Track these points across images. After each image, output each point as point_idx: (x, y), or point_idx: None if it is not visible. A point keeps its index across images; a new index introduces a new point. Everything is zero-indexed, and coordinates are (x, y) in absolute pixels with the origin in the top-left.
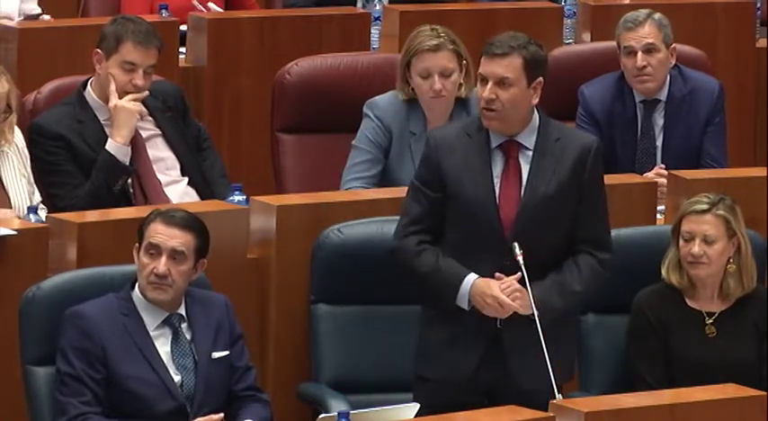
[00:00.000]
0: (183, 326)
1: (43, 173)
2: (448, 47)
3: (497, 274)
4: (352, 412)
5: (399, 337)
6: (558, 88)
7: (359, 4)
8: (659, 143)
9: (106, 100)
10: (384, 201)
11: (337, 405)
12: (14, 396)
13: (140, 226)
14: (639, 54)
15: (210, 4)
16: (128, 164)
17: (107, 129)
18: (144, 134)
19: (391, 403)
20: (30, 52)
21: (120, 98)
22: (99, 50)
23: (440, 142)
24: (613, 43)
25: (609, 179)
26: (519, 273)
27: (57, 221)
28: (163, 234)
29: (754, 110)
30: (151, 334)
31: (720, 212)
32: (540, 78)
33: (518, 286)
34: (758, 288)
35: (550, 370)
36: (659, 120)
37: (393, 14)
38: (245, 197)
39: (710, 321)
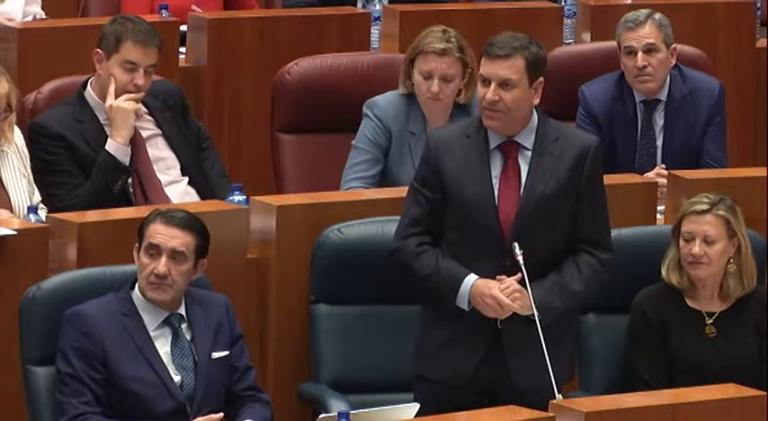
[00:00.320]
0: (183, 326)
1: (43, 173)
2: (455, 54)
3: (498, 276)
4: (352, 412)
5: (399, 337)
6: (558, 88)
7: (359, 4)
8: (659, 143)
9: (106, 100)
10: (384, 201)
11: (337, 405)
12: (14, 396)
13: (140, 226)
14: (640, 54)
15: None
16: (128, 164)
17: (107, 130)
18: (144, 134)
19: (391, 403)
20: (30, 52)
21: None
22: (99, 50)
23: (439, 143)
24: (613, 43)
25: (609, 179)
26: (519, 274)
27: (57, 221)
28: (163, 234)
29: (754, 110)
30: (151, 334)
31: (721, 212)
32: (541, 78)
33: (518, 287)
34: (758, 288)
35: (550, 370)
36: (659, 120)
37: (393, 14)
38: (245, 197)
39: (710, 321)
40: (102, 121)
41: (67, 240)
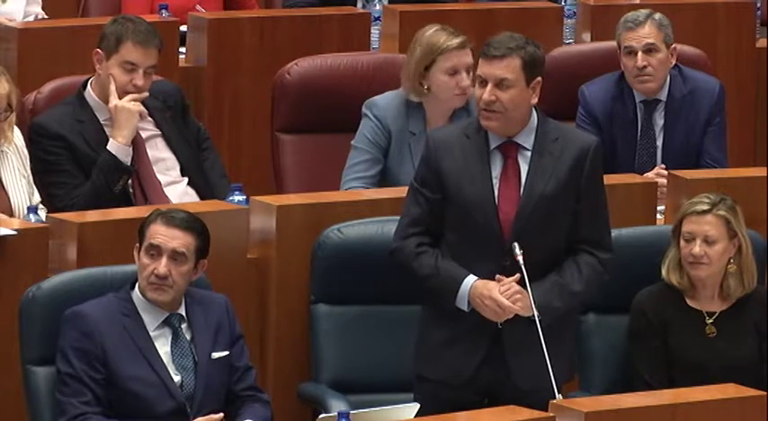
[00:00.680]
0: (183, 326)
1: (43, 173)
2: (469, 44)
3: (498, 276)
4: (352, 412)
5: (399, 337)
6: (558, 88)
7: (359, 4)
8: (659, 143)
9: (106, 100)
10: (384, 201)
11: (337, 405)
12: (14, 396)
13: (141, 226)
14: (640, 54)
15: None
16: (129, 164)
17: (107, 130)
18: (144, 134)
19: (391, 403)
20: (30, 52)
21: (120, 98)
22: (99, 50)
23: (438, 143)
24: (613, 43)
25: (609, 179)
26: (518, 275)
27: (57, 221)
28: (164, 235)
29: (754, 110)
30: (151, 334)
31: (721, 213)
32: (539, 78)
33: (518, 288)
34: (758, 288)
35: (550, 370)
36: (659, 120)
37: (393, 14)
38: (245, 197)
39: (711, 321)
40: (102, 122)
41: (67, 240)
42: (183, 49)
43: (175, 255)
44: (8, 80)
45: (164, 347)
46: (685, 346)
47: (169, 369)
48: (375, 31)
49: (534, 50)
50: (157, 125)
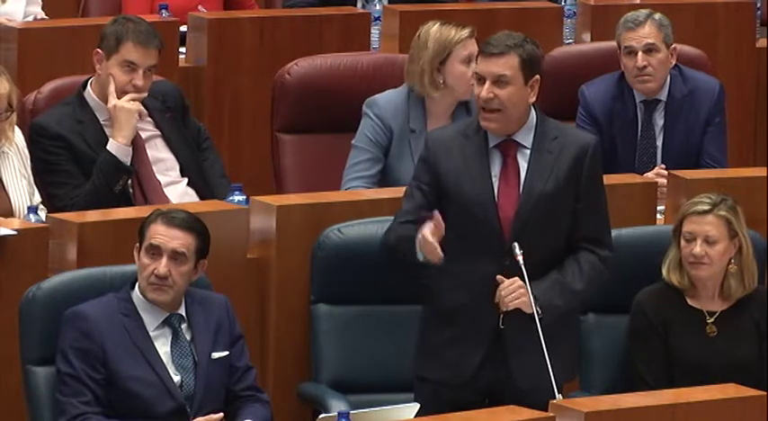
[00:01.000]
0: (183, 326)
1: (43, 173)
2: (475, 34)
3: (498, 277)
4: (352, 412)
5: (399, 337)
6: (558, 88)
7: (359, 4)
8: (659, 143)
9: (106, 100)
10: (384, 201)
11: (337, 405)
12: (15, 396)
13: (141, 226)
14: (640, 54)
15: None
16: (129, 164)
17: (107, 130)
18: (143, 135)
19: (391, 403)
20: (30, 52)
21: (120, 98)
22: (99, 50)
23: (437, 144)
24: (613, 43)
25: (609, 179)
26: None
27: (57, 221)
28: (164, 235)
29: (754, 110)
30: (151, 334)
31: (722, 213)
32: (537, 76)
33: (520, 283)
34: (759, 288)
35: (550, 370)
36: (659, 120)
37: (393, 14)
38: (245, 197)
39: (711, 321)
40: (101, 122)
41: (67, 240)
42: (183, 49)
43: (175, 256)
44: (8, 80)
45: (164, 347)
46: (686, 346)
47: (169, 369)
48: (375, 31)
49: (532, 49)
50: (157, 125)
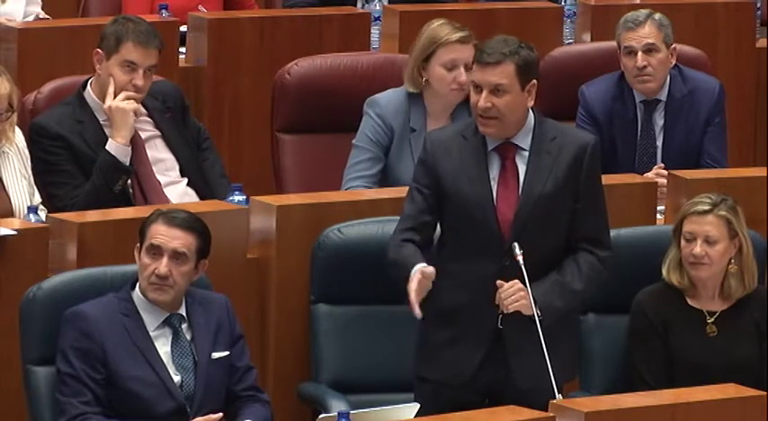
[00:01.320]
0: (184, 326)
1: (43, 173)
2: (472, 40)
3: (498, 282)
4: (352, 412)
5: (399, 337)
6: (558, 88)
7: (359, 4)
8: (659, 143)
9: (105, 100)
10: (384, 201)
11: (337, 405)
12: (15, 396)
13: (142, 226)
14: (640, 54)
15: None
16: (128, 164)
17: (107, 130)
18: (143, 135)
19: (391, 403)
20: (30, 52)
21: None
22: (99, 50)
23: (436, 145)
24: (613, 43)
25: (609, 179)
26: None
27: (57, 221)
28: (164, 235)
29: (754, 110)
30: (151, 334)
31: (722, 213)
32: (534, 81)
33: (520, 286)
34: (759, 288)
35: (550, 370)
36: (659, 121)
37: (393, 14)
38: (245, 197)
39: (711, 321)
40: (101, 122)
41: (67, 240)
42: (183, 49)
43: (176, 255)
44: (9, 80)
45: (164, 347)
46: (686, 346)
47: (169, 369)
48: (375, 31)
49: (528, 54)
50: (157, 126)
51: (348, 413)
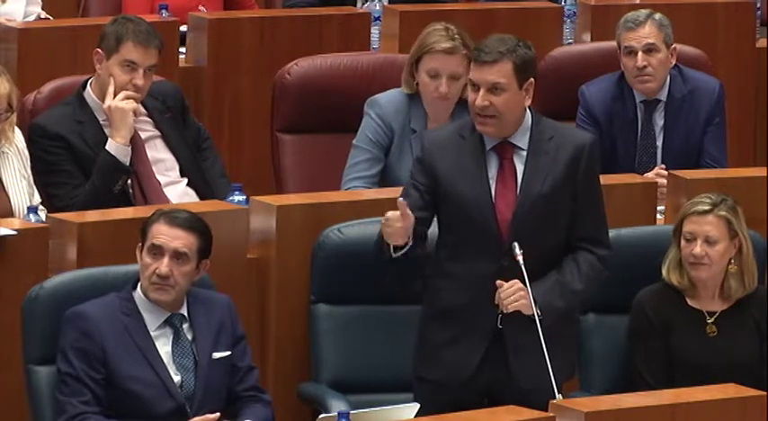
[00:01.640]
0: (185, 326)
1: (43, 173)
2: (461, 51)
3: (498, 282)
4: (352, 412)
5: (399, 337)
6: (558, 88)
7: (359, 4)
8: (659, 143)
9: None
10: (384, 201)
11: (337, 405)
12: (16, 395)
13: (144, 225)
14: (640, 54)
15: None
16: (128, 164)
17: (106, 130)
18: (143, 135)
19: (391, 403)
20: (30, 52)
21: None
22: (99, 50)
23: (433, 144)
24: (614, 43)
25: (609, 179)
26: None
27: (57, 221)
28: (166, 235)
29: (754, 110)
30: (152, 334)
31: (722, 213)
32: (531, 79)
33: (520, 285)
34: (759, 288)
35: (550, 369)
36: (659, 121)
37: (393, 14)
38: (245, 197)
39: (711, 321)
40: (101, 122)
41: (67, 240)
42: (183, 49)
43: (177, 255)
44: (8, 80)
45: (164, 347)
46: (686, 346)
47: (169, 369)
48: (375, 31)
49: (525, 52)
50: (157, 126)
51: (348, 413)
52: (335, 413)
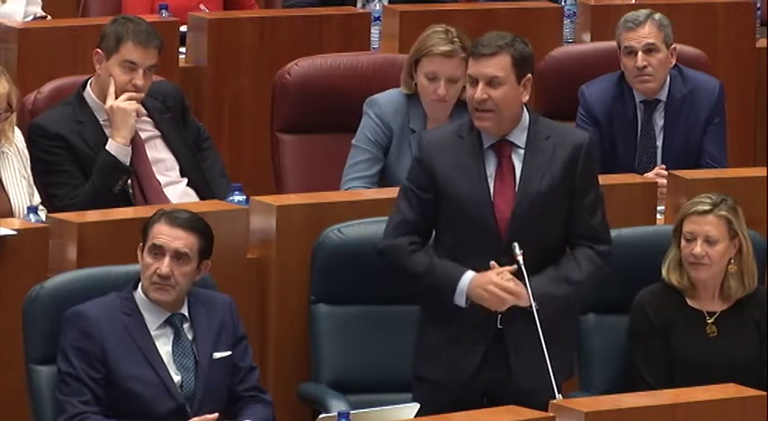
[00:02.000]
0: (186, 326)
1: (42, 173)
2: (460, 54)
3: (491, 263)
4: (352, 412)
5: (399, 337)
6: (557, 88)
7: (359, 4)
8: (659, 143)
9: (105, 100)
10: (384, 201)
11: (337, 405)
12: (17, 394)
13: (145, 225)
14: (640, 54)
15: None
16: (128, 164)
17: (106, 130)
18: (143, 135)
19: (391, 403)
20: (30, 52)
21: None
22: (99, 50)
23: (431, 144)
24: (613, 43)
25: (609, 179)
26: (515, 266)
27: (57, 221)
28: (167, 235)
29: (754, 110)
30: (152, 333)
31: (722, 213)
32: (529, 75)
33: (512, 276)
34: (759, 288)
35: (550, 369)
36: (659, 121)
37: (393, 14)
38: (245, 197)
39: (711, 321)
40: (101, 122)
41: (67, 240)
42: (183, 49)
43: (178, 255)
44: (8, 80)
45: (165, 347)
46: (686, 346)
47: (169, 369)
48: (375, 31)
49: (523, 48)
50: (157, 126)
51: (348, 413)
52: (335, 413)
